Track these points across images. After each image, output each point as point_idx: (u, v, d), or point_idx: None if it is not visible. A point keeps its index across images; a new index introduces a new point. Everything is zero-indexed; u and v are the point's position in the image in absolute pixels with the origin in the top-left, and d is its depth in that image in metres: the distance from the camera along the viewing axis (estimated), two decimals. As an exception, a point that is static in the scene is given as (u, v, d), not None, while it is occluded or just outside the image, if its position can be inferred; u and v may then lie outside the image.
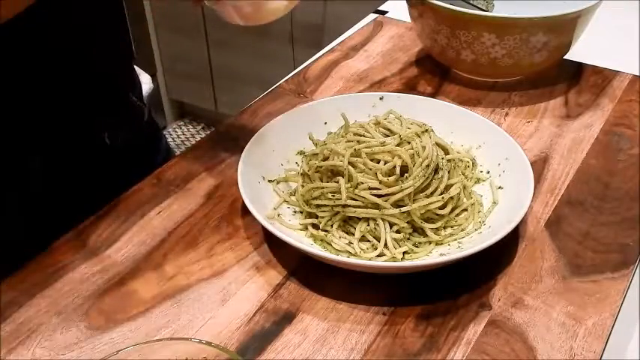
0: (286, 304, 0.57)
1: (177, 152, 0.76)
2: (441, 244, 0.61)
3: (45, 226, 0.65)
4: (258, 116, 0.80)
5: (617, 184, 0.69)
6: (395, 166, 0.60)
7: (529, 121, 0.79)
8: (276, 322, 0.55)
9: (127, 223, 0.65)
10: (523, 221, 0.64)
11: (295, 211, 0.65)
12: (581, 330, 0.54)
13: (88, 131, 0.72)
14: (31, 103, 0.65)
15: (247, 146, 0.66)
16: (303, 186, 0.64)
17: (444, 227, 0.62)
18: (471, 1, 0.85)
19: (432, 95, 0.84)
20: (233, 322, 0.55)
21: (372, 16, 1.04)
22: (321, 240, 0.61)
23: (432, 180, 0.62)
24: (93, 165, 0.73)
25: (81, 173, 0.72)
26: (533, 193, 0.61)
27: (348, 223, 0.61)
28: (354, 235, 0.60)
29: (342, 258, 0.58)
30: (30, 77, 0.64)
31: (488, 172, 0.68)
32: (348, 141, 0.63)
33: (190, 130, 2.64)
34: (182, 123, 2.67)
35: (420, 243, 0.61)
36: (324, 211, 0.62)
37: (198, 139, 1.33)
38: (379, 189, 0.60)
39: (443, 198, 0.61)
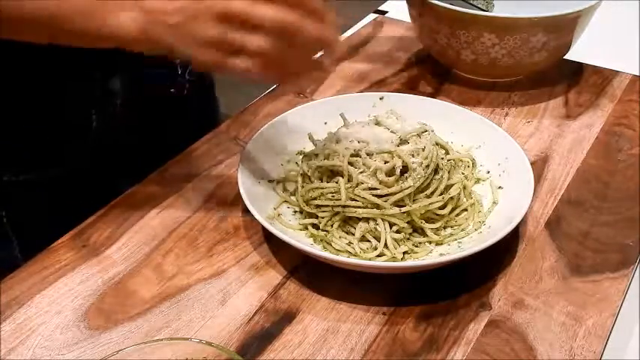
0: (286, 304, 0.57)
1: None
2: (441, 244, 0.61)
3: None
4: (258, 116, 0.80)
5: (617, 184, 0.69)
6: (395, 166, 0.60)
7: (529, 121, 0.79)
8: (276, 322, 0.55)
9: (127, 223, 0.65)
10: (523, 221, 0.64)
11: (295, 211, 0.65)
12: (581, 330, 0.54)
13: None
14: None
15: (247, 146, 0.66)
16: (303, 186, 0.64)
17: (444, 227, 0.62)
18: (471, 1, 0.85)
19: (432, 95, 0.84)
20: (233, 322, 0.55)
21: (372, 16, 1.04)
22: (321, 240, 0.61)
23: (432, 180, 0.62)
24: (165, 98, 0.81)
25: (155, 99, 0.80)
26: (533, 193, 0.61)
27: (348, 223, 0.61)
28: (354, 235, 0.60)
29: (342, 258, 0.58)
30: None
31: (489, 172, 0.68)
32: (348, 141, 0.63)
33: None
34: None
35: (420, 243, 0.61)
36: (324, 211, 0.61)
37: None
38: (379, 189, 0.60)
39: (443, 198, 0.61)
